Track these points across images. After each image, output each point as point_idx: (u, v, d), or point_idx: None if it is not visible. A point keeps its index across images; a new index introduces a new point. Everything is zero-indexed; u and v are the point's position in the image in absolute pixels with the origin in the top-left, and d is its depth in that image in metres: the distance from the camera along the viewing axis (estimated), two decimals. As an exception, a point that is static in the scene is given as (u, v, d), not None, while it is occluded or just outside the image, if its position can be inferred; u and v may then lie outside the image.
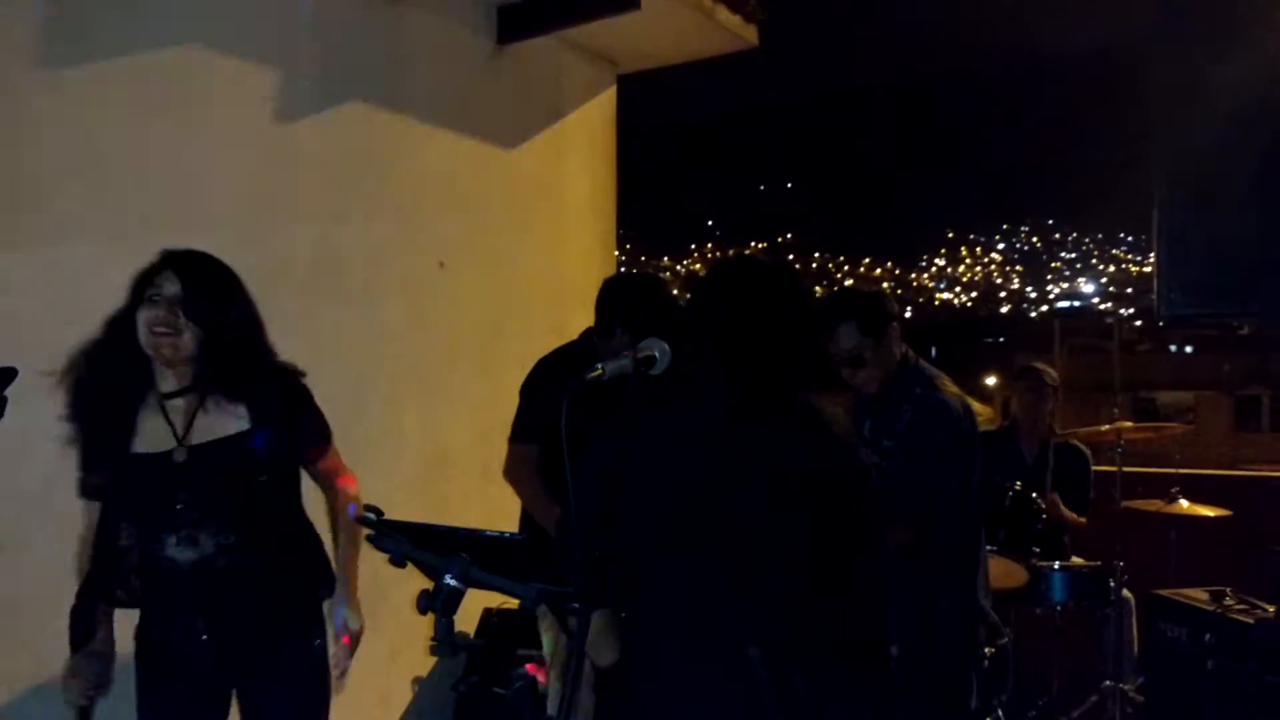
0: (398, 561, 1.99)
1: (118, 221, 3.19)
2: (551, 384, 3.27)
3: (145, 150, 3.25)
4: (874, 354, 3.08)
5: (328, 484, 2.58)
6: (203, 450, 2.32)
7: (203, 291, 2.30)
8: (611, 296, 3.24)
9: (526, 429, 3.30)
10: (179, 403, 2.34)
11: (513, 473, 3.32)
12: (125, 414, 2.33)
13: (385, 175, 4.12)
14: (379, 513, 2.28)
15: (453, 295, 4.38)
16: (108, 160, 3.16)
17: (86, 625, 2.29)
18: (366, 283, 3.97)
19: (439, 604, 1.73)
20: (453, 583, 1.74)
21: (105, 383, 2.31)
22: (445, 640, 1.74)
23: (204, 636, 2.36)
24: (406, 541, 1.92)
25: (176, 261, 2.32)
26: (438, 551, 1.81)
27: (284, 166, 3.70)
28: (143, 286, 2.31)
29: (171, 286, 2.27)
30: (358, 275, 3.91)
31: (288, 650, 2.46)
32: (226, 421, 2.34)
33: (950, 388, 3.14)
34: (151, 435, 2.33)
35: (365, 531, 2.22)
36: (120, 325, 2.31)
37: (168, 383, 2.33)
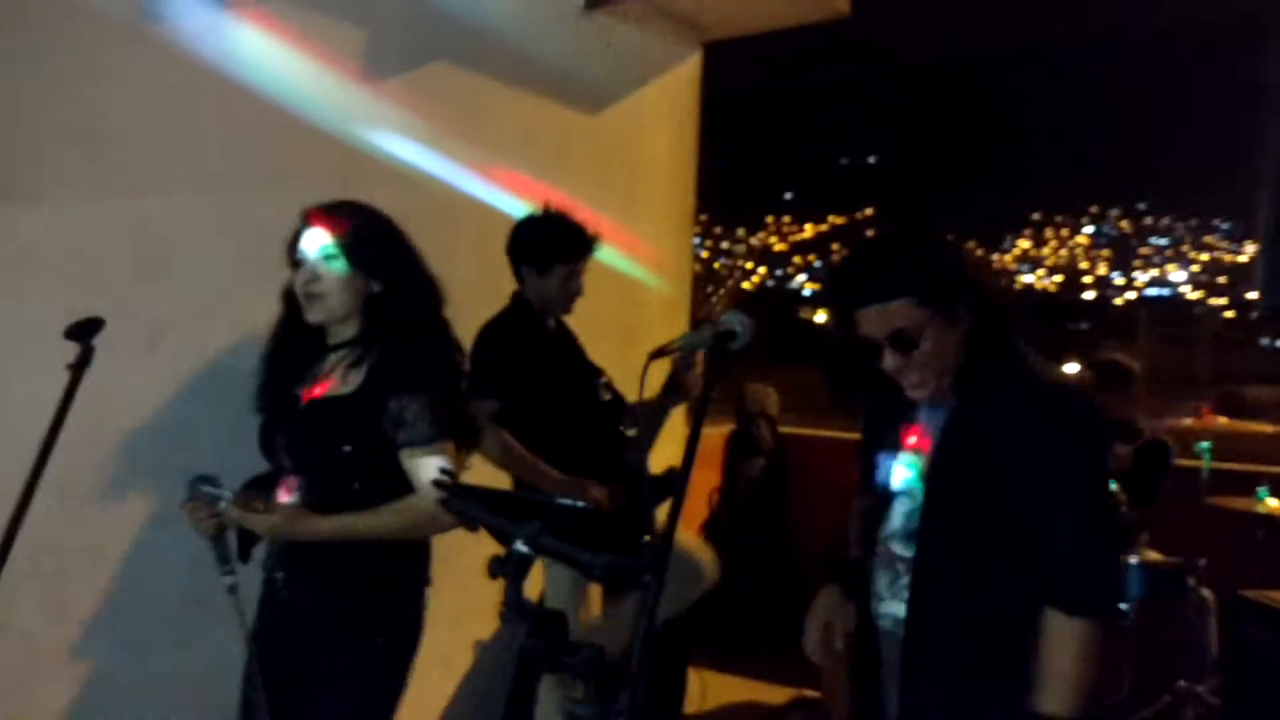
0: (470, 525, 1.99)
1: (203, 175, 3.22)
2: (500, 341, 3.30)
3: (232, 103, 3.26)
4: None
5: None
6: (315, 404, 2.34)
7: (346, 250, 2.34)
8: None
9: (481, 384, 2.98)
10: (336, 356, 2.38)
11: None
12: (296, 362, 2.42)
13: (465, 135, 4.10)
14: (454, 476, 2.28)
15: (528, 259, 4.36)
16: (193, 113, 3.17)
17: None
18: (441, 242, 3.95)
19: (510, 570, 1.72)
20: (524, 549, 1.72)
21: (286, 337, 2.43)
22: (515, 606, 1.74)
23: (283, 594, 2.35)
24: (480, 506, 1.92)
25: (320, 219, 2.36)
26: (510, 517, 1.80)
27: (367, 123, 3.70)
28: (292, 247, 2.38)
29: (312, 248, 2.34)
30: (433, 234, 3.90)
31: (340, 648, 2.30)
32: (353, 381, 2.32)
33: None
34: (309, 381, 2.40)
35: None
36: (289, 289, 2.41)
37: (335, 336, 2.41)
